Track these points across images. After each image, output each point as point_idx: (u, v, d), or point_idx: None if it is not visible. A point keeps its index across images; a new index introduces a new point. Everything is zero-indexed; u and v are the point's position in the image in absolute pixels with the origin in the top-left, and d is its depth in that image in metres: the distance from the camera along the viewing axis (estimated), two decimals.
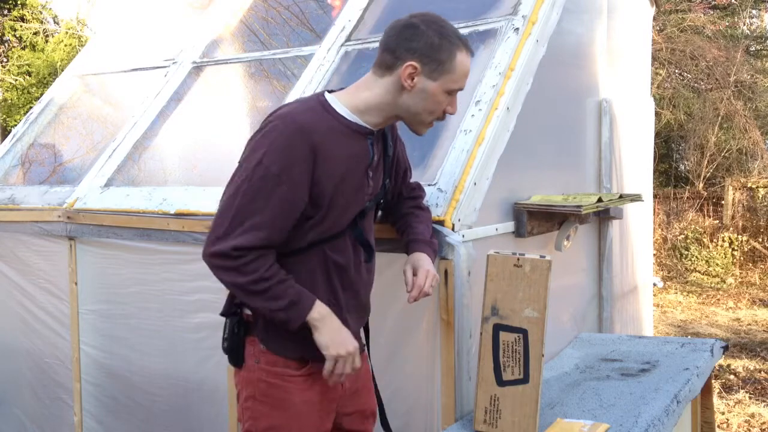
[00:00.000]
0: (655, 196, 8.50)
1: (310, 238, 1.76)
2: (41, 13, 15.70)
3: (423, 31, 1.72)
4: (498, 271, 1.89)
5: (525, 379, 1.88)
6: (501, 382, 1.89)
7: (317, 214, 1.73)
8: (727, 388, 5.06)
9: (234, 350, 1.85)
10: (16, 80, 14.26)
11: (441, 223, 2.11)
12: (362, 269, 1.90)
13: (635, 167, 3.74)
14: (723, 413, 4.56)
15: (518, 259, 1.88)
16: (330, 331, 1.74)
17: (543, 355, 1.87)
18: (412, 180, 2.14)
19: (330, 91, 1.83)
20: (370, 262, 1.93)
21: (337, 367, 1.74)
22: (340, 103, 1.77)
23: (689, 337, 6.63)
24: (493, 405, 1.90)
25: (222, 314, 1.89)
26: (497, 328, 1.89)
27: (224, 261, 1.67)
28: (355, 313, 1.90)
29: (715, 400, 4.66)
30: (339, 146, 1.72)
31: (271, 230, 1.67)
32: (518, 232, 2.45)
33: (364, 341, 2.01)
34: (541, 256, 1.90)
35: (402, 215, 2.04)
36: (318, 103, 1.76)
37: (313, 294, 1.75)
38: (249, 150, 1.71)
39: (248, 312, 1.84)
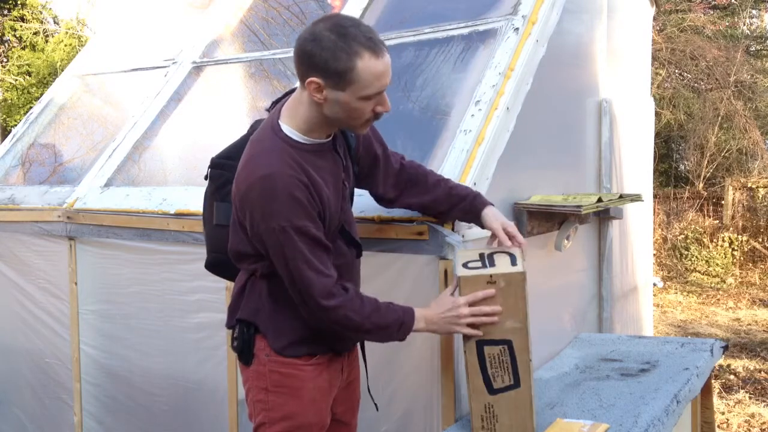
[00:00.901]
0: (655, 196, 8.50)
1: None
2: (41, 13, 15.70)
3: (320, 42, 1.63)
4: (472, 291, 1.84)
5: (516, 384, 1.87)
6: (492, 391, 1.88)
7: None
8: (727, 388, 5.06)
9: (245, 349, 1.88)
10: (16, 80, 14.26)
11: (441, 223, 2.11)
12: (356, 264, 1.98)
13: (635, 167, 3.74)
14: (723, 413, 4.56)
15: (491, 276, 1.83)
16: (438, 324, 1.86)
17: (531, 360, 1.86)
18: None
19: (276, 106, 1.85)
20: (360, 257, 1.99)
21: (473, 312, 1.82)
22: (291, 129, 1.76)
23: (689, 337, 6.63)
24: (489, 412, 1.89)
25: (227, 326, 1.94)
26: (480, 344, 1.86)
27: (336, 312, 1.76)
28: None
29: (715, 400, 4.66)
30: (319, 174, 1.76)
31: (326, 258, 1.76)
32: None
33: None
34: (512, 263, 1.85)
35: (429, 188, 2.03)
36: (280, 141, 1.74)
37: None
38: (257, 218, 1.71)
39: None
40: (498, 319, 1.83)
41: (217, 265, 2.02)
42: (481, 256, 1.90)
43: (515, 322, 1.84)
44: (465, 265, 1.87)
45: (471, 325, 1.83)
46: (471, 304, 1.82)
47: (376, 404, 2.10)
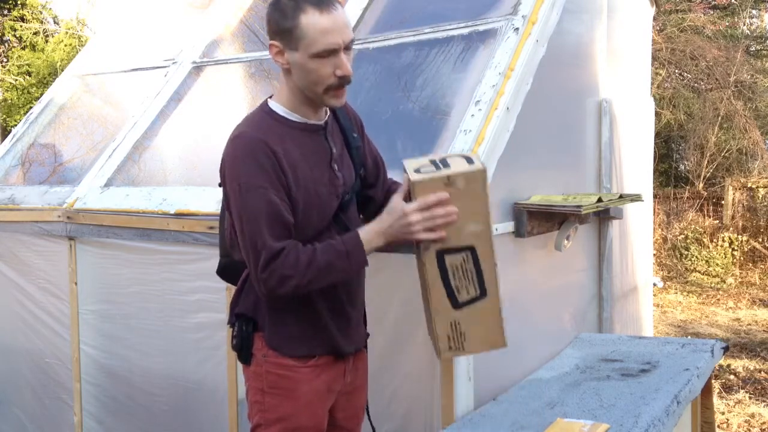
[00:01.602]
0: (655, 196, 8.50)
1: (297, 239, 1.76)
2: (41, 13, 15.71)
3: (277, 6, 1.70)
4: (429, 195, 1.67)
5: (482, 294, 1.72)
6: (457, 305, 1.72)
7: (297, 218, 1.75)
8: (727, 388, 5.06)
9: (243, 347, 1.87)
10: (16, 80, 14.27)
11: None
12: None
13: (635, 167, 3.74)
14: (723, 413, 4.56)
15: (448, 177, 1.66)
16: (392, 234, 1.72)
17: (496, 264, 1.71)
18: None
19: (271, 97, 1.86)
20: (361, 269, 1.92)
21: (425, 217, 1.68)
22: (279, 105, 1.79)
23: (689, 337, 6.64)
24: (455, 330, 1.74)
25: (228, 324, 1.93)
26: (441, 254, 1.69)
27: (269, 284, 1.70)
28: (356, 301, 1.93)
29: (715, 400, 4.66)
30: (295, 148, 1.75)
31: (280, 229, 1.70)
32: (518, 232, 2.44)
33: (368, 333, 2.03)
34: (467, 160, 1.70)
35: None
36: (264, 114, 1.79)
37: (307, 292, 1.77)
38: (225, 177, 1.75)
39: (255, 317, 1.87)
40: (458, 223, 1.67)
41: (226, 268, 2.00)
42: (433, 161, 1.72)
43: (477, 224, 1.68)
44: (417, 171, 1.69)
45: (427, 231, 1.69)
46: (424, 210, 1.68)
47: (373, 428, 2.07)
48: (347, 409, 1.99)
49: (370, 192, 2.02)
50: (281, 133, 1.75)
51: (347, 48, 1.71)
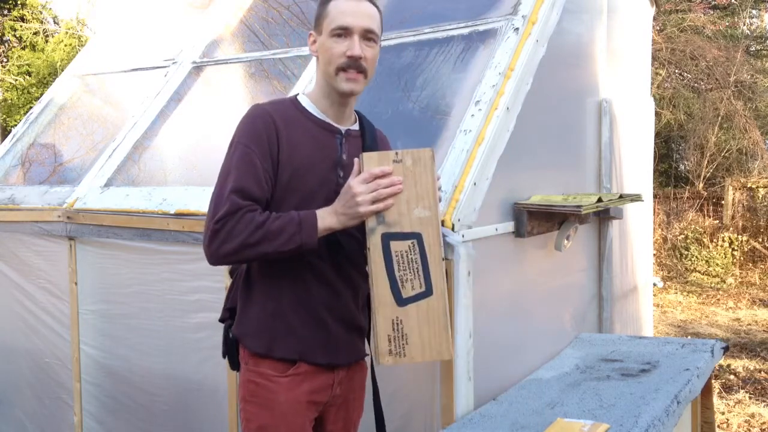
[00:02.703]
0: (655, 196, 8.50)
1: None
2: (41, 13, 15.71)
3: (318, 2, 1.84)
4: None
5: (428, 291, 1.65)
6: (401, 301, 1.64)
7: (276, 196, 1.76)
8: (727, 388, 5.06)
9: (230, 355, 1.87)
10: (16, 80, 14.27)
11: (441, 223, 2.10)
12: (347, 270, 1.85)
13: (635, 167, 3.74)
14: (723, 413, 4.56)
15: (396, 153, 1.67)
16: (343, 213, 1.69)
17: (444, 259, 1.67)
18: None
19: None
20: (337, 261, 1.85)
21: (369, 188, 1.66)
22: (308, 100, 1.87)
23: (689, 337, 6.64)
24: (397, 330, 1.65)
25: (220, 320, 1.93)
26: (386, 238, 1.65)
27: (218, 238, 1.68)
28: (339, 314, 1.85)
29: (715, 400, 4.66)
30: (301, 134, 1.79)
31: (247, 190, 1.70)
32: (518, 232, 2.45)
33: (365, 350, 1.98)
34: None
35: None
36: (288, 101, 1.88)
37: (278, 284, 1.78)
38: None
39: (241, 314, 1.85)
40: (404, 206, 1.65)
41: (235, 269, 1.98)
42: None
43: (424, 209, 1.66)
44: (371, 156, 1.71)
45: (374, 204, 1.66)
46: (368, 181, 1.66)
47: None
48: (337, 422, 1.95)
49: None
50: (296, 119, 1.81)
51: (367, 38, 1.79)
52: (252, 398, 1.82)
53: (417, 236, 1.65)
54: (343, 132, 1.85)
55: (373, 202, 1.66)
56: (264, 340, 1.80)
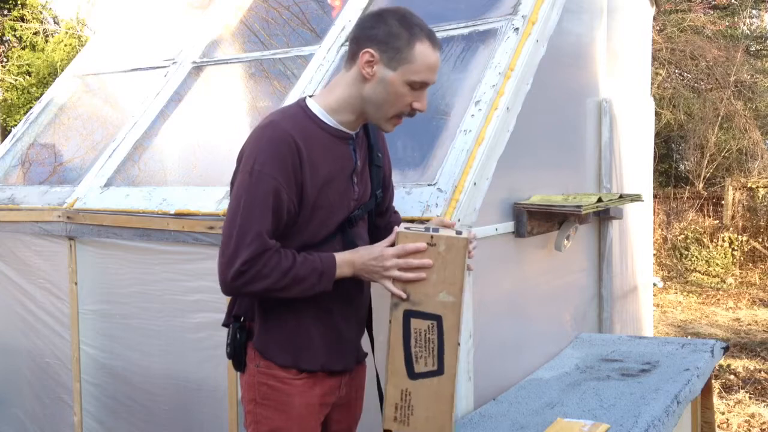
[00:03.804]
0: (655, 196, 8.50)
1: (297, 243, 1.75)
2: (41, 13, 15.71)
3: (385, 20, 1.71)
4: None
5: (439, 371, 1.71)
6: (413, 375, 1.72)
7: (301, 218, 1.74)
8: (727, 388, 5.06)
9: (236, 355, 1.85)
10: (16, 80, 14.27)
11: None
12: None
13: (635, 167, 3.74)
14: (723, 413, 4.56)
15: (431, 237, 1.70)
16: (363, 270, 1.74)
17: (459, 344, 1.73)
18: (405, 191, 2.16)
19: (311, 96, 1.84)
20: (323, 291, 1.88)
21: (399, 264, 1.70)
22: (319, 107, 1.78)
23: (689, 337, 6.64)
24: (405, 400, 1.73)
25: (223, 325, 1.91)
26: (408, 315, 1.71)
27: (243, 278, 1.66)
28: (352, 321, 1.90)
29: (715, 400, 4.66)
30: (321, 151, 1.74)
31: (273, 228, 1.69)
32: (518, 232, 2.45)
33: (365, 350, 1.99)
34: (457, 233, 1.74)
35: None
36: (299, 109, 1.78)
37: (303, 300, 1.75)
38: (242, 159, 1.74)
39: (250, 320, 1.85)
40: (431, 288, 1.70)
41: None
42: (426, 228, 1.78)
43: (450, 295, 1.70)
44: (407, 228, 1.76)
45: (397, 282, 1.71)
46: (401, 256, 1.70)
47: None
48: (341, 422, 1.96)
49: (378, 221, 2.01)
50: (310, 131, 1.74)
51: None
52: (264, 401, 1.80)
53: (438, 318, 1.71)
54: (353, 136, 1.84)
55: (397, 278, 1.71)
56: (289, 354, 1.80)
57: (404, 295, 1.71)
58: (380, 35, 1.70)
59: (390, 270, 1.71)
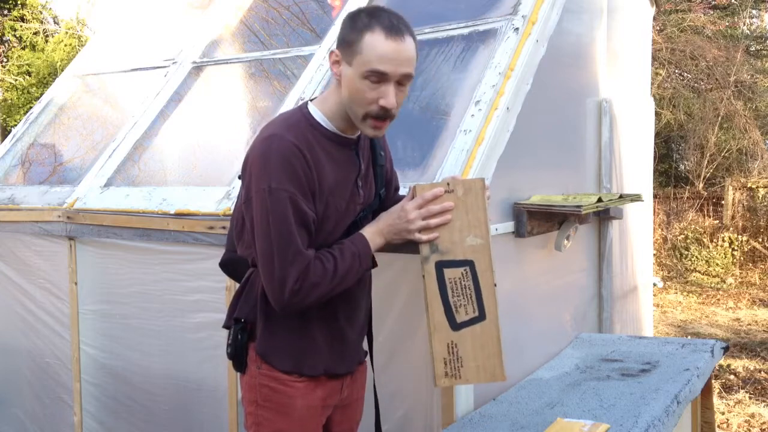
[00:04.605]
0: (655, 196, 8.50)
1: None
2: (41, 13, 15.71)
3: (351, 18, 1.68)
4: None
5: (481, 316, 1.71)
6: (456, 326, 1.71)
7: (316, 223, 1.73)
8: (727, 388, 5.06)
9: (237, 356, 1.84)
10: (16, 80, 14.27)
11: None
12: (362, 279, 1.87)
13: (635, 167, 3.74)
14: (723, 413, 4.56)
15: (448, 183, 1.72)
16: (391, 233, 1.76)
17: (495, 285, 1.72)
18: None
19: (312, 100, 1.82)
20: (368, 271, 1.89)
21: (422, 214, 1.73)
22: (320, 113, 1.75)
23: (689, 337, 6.64)
24: (452, 353, 1.72)
25: (224, 327, 1.90)
26: (440, 266, 1.70)
27: (299, 295, 1.66)
28: (356, 323, 1.89)
29: (715, 400, 4.66)
30: (326, 160, 1.73)
31: (307, 238, 1.69)
32: (518, 232, 2.45)
33: (366, 350, 1.99)
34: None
35: None
36: (302, 117, 1.75)
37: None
38: (252, 176, 1.69)
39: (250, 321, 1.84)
40: (457, 235, 1.70)
41: (228, 263, 1.95)
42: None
43: (477, 237, 1.70)
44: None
45: (425, 232, 1.72)
46: (421, 206, 1.73)
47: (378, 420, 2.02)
48: (343, 423, 1.96)
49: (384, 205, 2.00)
50: (314, 139, 1.71)
51: (400, 83, 1.67)
52: (266, 403, 1.79)
53: (470, 263, 1.71)
54: (357, 140, 1.82)
55: (424, 227, 1.73)
56: (292, 359, 1.78)
57: (437, 237, 1.71)
58: (342, 34, 1.69)
59: (415, 222, 1.72)
